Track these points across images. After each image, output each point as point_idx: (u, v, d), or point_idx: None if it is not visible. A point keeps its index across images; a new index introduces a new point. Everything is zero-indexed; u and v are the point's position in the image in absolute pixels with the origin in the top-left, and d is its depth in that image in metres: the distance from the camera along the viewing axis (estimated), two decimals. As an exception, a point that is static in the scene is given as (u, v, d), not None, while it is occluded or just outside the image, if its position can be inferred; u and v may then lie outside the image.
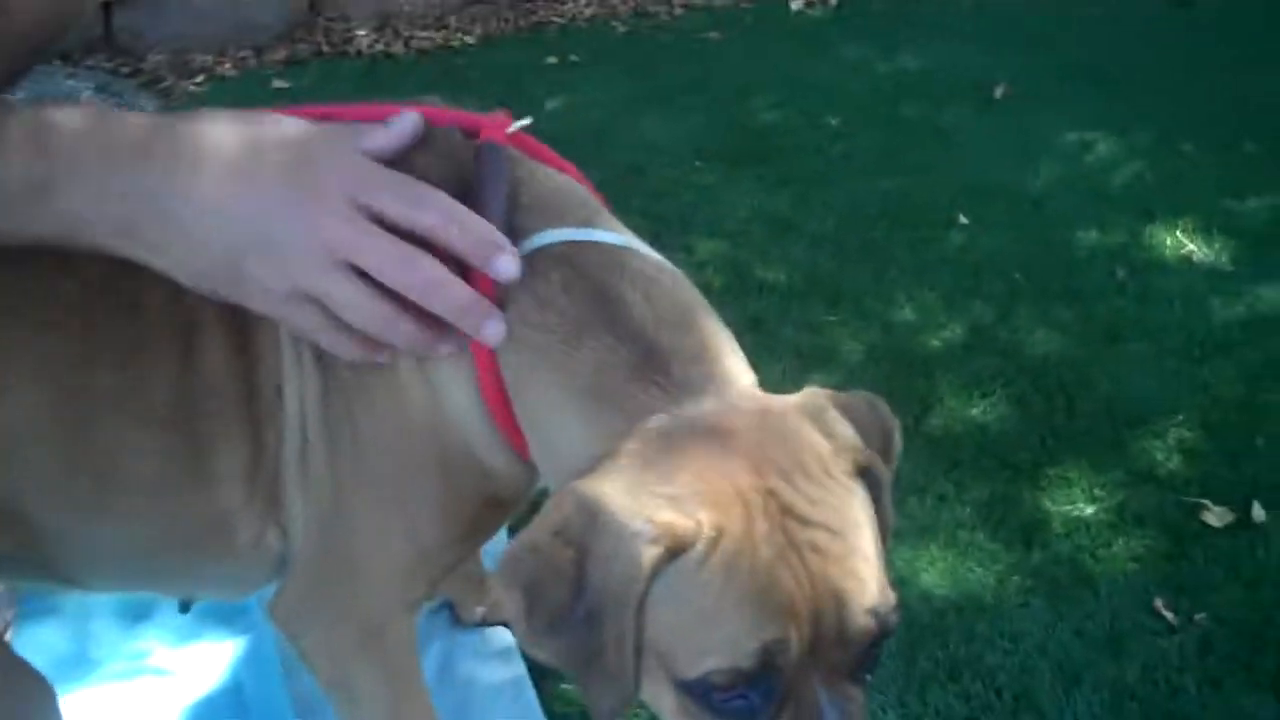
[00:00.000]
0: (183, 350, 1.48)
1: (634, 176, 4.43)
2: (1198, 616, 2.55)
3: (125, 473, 1.52)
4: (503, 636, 2.42)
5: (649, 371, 1.36)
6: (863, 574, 1.24)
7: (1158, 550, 2.74)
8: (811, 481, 1.25)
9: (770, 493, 1.22)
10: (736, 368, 1.43)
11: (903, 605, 2.40)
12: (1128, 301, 3.67)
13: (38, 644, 2.28)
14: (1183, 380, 3.31)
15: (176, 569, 1.69)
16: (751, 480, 1.23)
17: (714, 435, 1.28)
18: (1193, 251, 3.94)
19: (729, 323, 1.45)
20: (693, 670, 1.21)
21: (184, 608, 2.01)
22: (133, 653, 2.33)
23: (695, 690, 1.22)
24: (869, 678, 1.29)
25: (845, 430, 1.32)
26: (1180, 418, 3.16)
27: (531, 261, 1.42)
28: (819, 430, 1.30)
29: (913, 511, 2.81)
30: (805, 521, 1.22)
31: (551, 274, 1.43)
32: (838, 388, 1.39)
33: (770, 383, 1.40)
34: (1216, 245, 3.97)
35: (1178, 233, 4.04)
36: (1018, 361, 3.39)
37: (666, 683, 1.25)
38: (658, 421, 1.30)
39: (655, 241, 1.49)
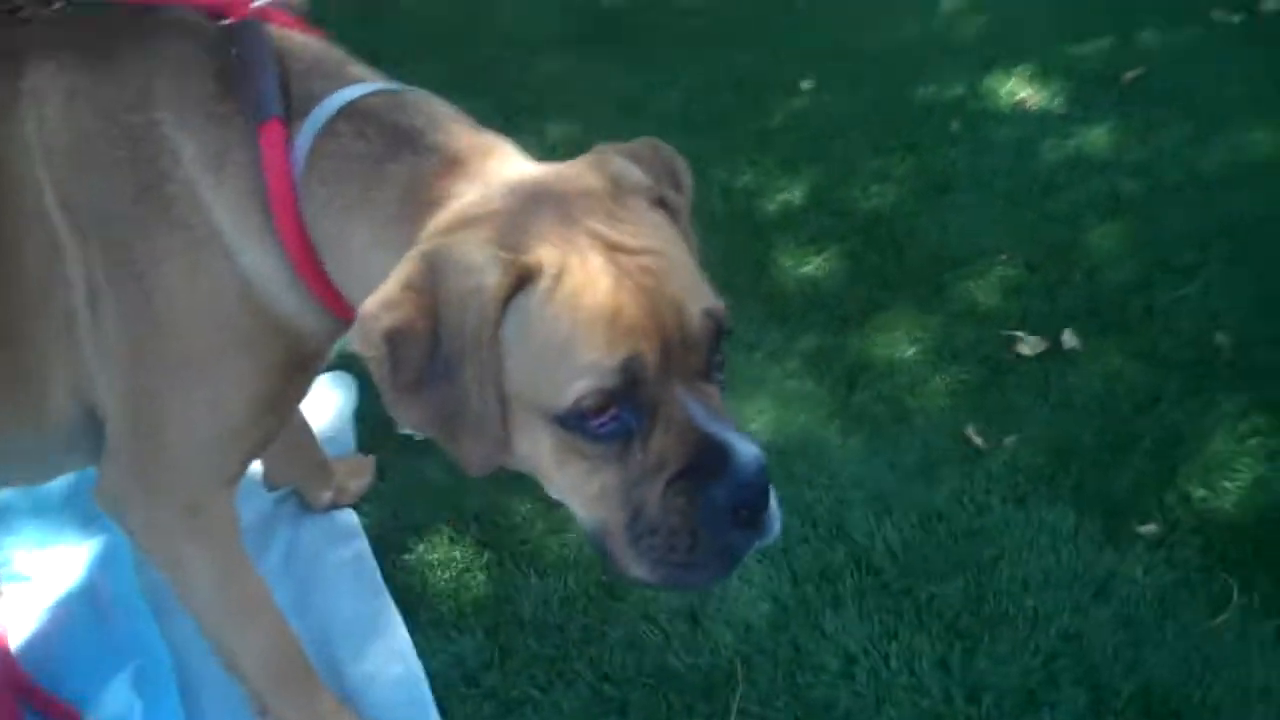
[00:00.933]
0: None
1: (490, 68, 4.46)
2: (1006, 440, 2.72)
3: None
4: (347, 518, 2.55)
5: (453, 172, 1.50)
6: (689, 283, 1.39)
7: (972, 383, 2.89)
8: (620, 219, 1.40)
9: (592, 233, 1.37)
10: (526, 159, 1.58)
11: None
12: (960, 152, 3.79)
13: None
14: (1008, 223, 3.45)
15: None
16: (571, 225, 1.38)
17: (526, 196, 1.43)
18: (1026, 98, 4.05)
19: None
20: (563, 400, 1.34)
21: None
22: (-3, 562, 2.44)
23: (571, 422, 1.35)
24: (720, 376, 1.44)
25: (632, 172, 1.47)
26: (1003, 258, 3.30)
27: (321, 127, 1.55)
28: (609, 177, 1.45)
29: (742, 367, 2.94)
30: (629, 251, 1.37)
31: (341, 129, 1.55)
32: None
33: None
34: (1051, 89, 4.09)
35: (1012, 81, 4.15)
36: (851, 218, 3.51)
37: (541, 425, 1.38)
38: (473, 194, 1.45)
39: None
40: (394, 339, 1.35)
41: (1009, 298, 3.16)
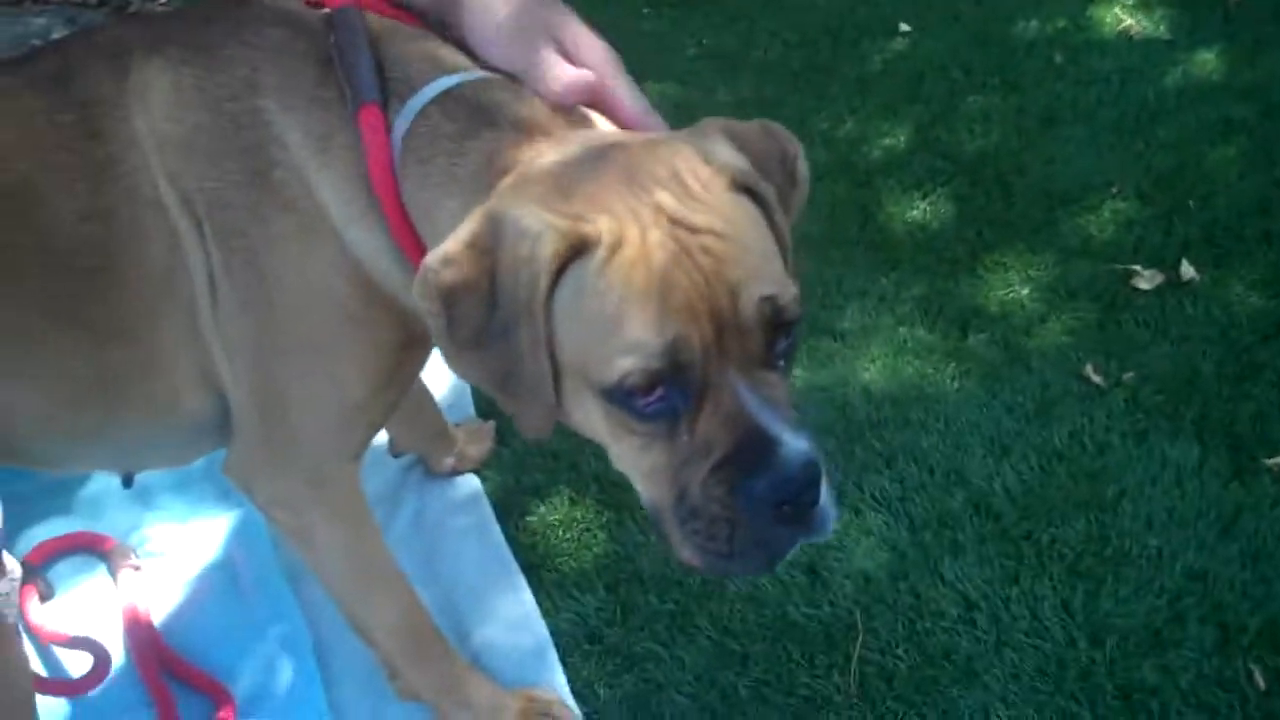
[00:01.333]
0: (21, 208, 1.60)
1: (587, 31, 4.47)
2: (1126, 377, 2.68)
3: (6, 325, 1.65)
4: (470, 484, 2.59)
5: (532, 140, 1.48)
6: (753, 268, 1.33)
7: (1089, 320, 2.85)
8: (693, 196, 1.35)
9: (658, 207, 1.33)
10: (610, 127, 1.55)
11: (844, 404, 2.56)
12: (1064, 85, 3.73)
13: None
14: (1117, 154, 3.39)
15: (102, 430, 1.81)
16: (639, 196, 1.34)
17: (599, 162, 1.40)
18: (1130, 26, 3.97)
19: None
20: (608, 375, 1.31)
21: (126, 482, 2.16)
22: (137, 540, 2.51)
23: (617, 397, 1.33)
24: (782, 363, 1.39)
25: (721, 151, 1.41)
26: (1114, 190, 3.24)
27: (419, 111, 1.56)
28: (691, 153, 1.40)
29: (854, 315, 2.94)
30: (693, 229, 1.32)
31: (432, 112, 1.55)
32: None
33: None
34: (1155, 16, 4.00)
35: (1115, 9, 4.06)
36: (956, 159, 3.47)
37: (591, 397, 1.37)
38: (548, 157, 1.43)
39: None
40: (450, 296, 1.36)
41: (1123, 231, 3.10)
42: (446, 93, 1.57)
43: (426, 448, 2.61)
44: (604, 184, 1.36)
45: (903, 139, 3.62)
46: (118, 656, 2.26)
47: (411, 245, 1.59)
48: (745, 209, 1.39)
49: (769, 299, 1.33)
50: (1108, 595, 2.23)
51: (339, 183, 1.59)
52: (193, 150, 1.61)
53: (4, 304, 1.63)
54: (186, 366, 1.74)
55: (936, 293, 3.00)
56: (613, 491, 2.55)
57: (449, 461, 2.61)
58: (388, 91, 1.57)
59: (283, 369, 1.70)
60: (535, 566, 2.41)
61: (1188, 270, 2.92)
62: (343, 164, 1.59)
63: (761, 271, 1.34)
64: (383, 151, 1.56)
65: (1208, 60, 3.70)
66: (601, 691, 2.19)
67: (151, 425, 1.81)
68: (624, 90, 1.58)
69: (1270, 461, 2.42)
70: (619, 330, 1.30)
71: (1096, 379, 2.68)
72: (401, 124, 1.56)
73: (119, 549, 2.46)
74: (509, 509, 2.55)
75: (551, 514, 2.53)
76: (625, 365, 1.30)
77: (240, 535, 2.49)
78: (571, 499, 2.56)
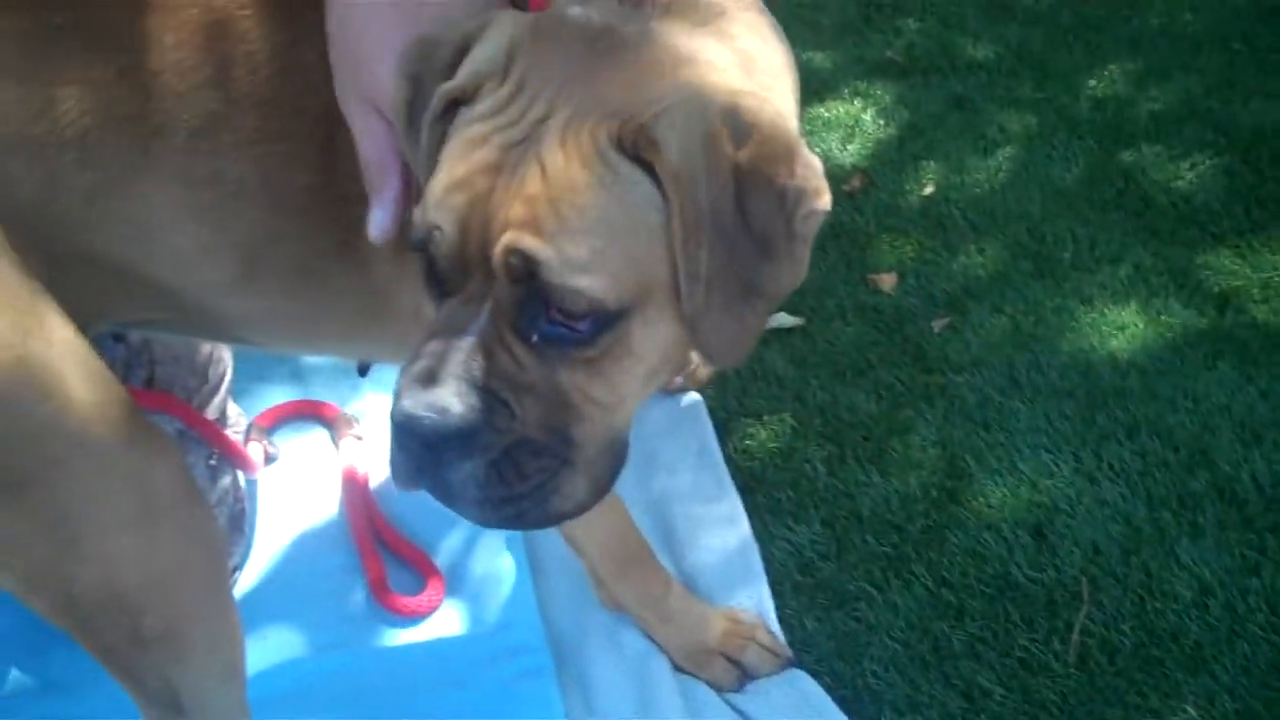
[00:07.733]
0: (323, 140, 1.51)
1: (846, -37, 4.38)
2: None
3: (268, 256, 1.57)
4: (693, 401, 2.57)
5: None
6: (536, 219, 1.17)
7: (1360, 311, 2.69)
8: (578, 132, 1.20)
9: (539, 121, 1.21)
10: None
11: (1087, 368, 2.44)
12: (1356, 67, 3.50)
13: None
14: None
15: (344, 336, 1.79)
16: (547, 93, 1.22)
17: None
18: None
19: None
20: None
21: (362, 370, 2.17)
22: (358, 412, 2.54)
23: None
24: (536, 336, 1.21)
25: (663, 131, 1.17)
26: (1403, 181, 3.04)
27: None
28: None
29: (1106, 280, 2.81)
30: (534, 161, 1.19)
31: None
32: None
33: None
34: None
35: None
36: (1229, 133, 3.28)
37: None
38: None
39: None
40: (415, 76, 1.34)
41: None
42: None
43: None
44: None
45: (1172, 105, 3.43)
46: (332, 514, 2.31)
47: None
48: (611, 178, 1.20)
49: (517, 252, 1.17)
50: (1356, 601, 2.10)
51: None
52: None
53: (302, 250, 1.59)
54: None
55: (1195, 267, 2.85)
56: (835, 425, 2.50)
57: (677, 380, 2.58)
58: None
59: None
60: (751, 491, 2.38)
61: None
62: None
63: (537, 227, 1.17)
64: None
65: None
66: (809, 624, 2.15)
67: (403, 327, 1.73)
68: None
69: None
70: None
71: (1364, 375, 2.52)
72: None
73: (343, 418, 2.50)
74: (729, 431, 2.52)
75: (772, 441, 2.49)
76: (417, 215, 1.25)
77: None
78: (794, 428, 2.51)
